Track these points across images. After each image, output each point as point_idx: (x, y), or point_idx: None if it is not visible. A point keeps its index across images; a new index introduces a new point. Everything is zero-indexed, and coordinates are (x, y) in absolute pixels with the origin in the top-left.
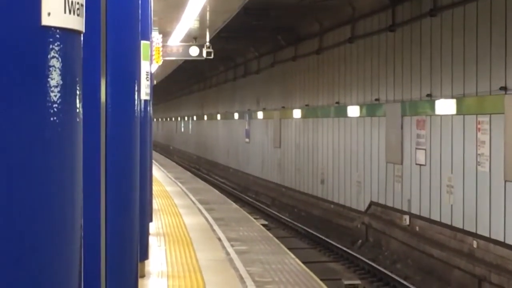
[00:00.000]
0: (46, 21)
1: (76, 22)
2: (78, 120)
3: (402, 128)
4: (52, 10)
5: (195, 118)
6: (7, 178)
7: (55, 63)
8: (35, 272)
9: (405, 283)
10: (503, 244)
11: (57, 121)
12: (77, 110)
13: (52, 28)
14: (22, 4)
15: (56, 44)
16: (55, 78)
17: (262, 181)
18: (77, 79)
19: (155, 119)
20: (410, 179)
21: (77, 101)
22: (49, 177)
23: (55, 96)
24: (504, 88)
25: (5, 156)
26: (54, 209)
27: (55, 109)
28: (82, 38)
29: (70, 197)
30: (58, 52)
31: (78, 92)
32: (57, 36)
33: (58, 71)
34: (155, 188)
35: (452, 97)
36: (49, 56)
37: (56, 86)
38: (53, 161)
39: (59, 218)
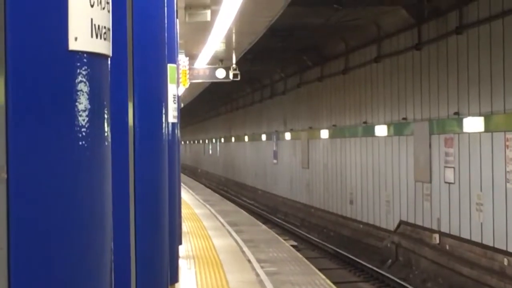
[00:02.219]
0: (73, 45)
1: (103, 46)
2: (106, 143)
3: (430, 146)
4: (79, 34)
5: (222, 140)
6: (39, 204)
7: (83, 87)
8: None
9: None
10: None
11: (86, 145)
12: (106, 134)
13: (79, 53)
14: (49, 30)
15: (83, 69)
16: (83, 103)
17: (291, 202)
18: (105, 103)
19: (183, 142)
20: (439, 197)
21: (105, 124)
22: (79, 201)
23: (83, 120)
24: None
25: (35, 181)
26: (84, 234)
27: (84, 133)
28: (109, 62)
29: (99, 221)
30: (86, 77)
31: (106, 116)
32: (84, 60)
33: (86, 95)
34: (184, 210)
35: (480, 115)
36: (76, 81)
37: (84, 110)
38: (83, 185)
39: (89, 242)
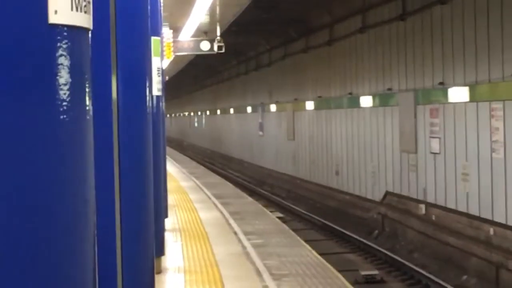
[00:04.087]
0: (53, 19)
1: (84, 20)
2: (88, 117)
3: (415, 117)
4: (59, 8)
5: (208, 112)
6: (19, 178)
7: (64, 61)
8: (49, 270)
9: (422, 272)
10: None
11: (67, 119)
12: (87, 108)
13: (60, 26)
14: (29, 3)
15: (64, 42)
16: (63, 76)
17: (277, 174)
18: (86, 76)
19: (168, 115)
20: (425, 168)
21: (87, 98)
22: (61, 176)
23: (64, 94)
24: None
25: (16, 155)
26: (67, 208)
27: (65, 107)
28: (90, 36)
29: (83, 194)
30: (66, 50)
31: (87, 90)
32: (65, 34)
33: (67, 69)
34: (169, 183)
35: (465, 85)
36: (57, 54)
37: (65, 84)
38: (65, 159)
39: (72, 216)
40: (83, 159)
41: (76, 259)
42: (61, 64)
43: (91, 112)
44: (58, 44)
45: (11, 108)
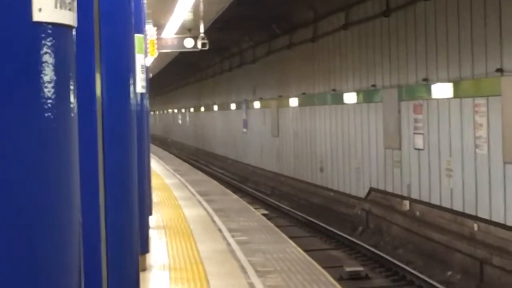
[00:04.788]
0: (37, 17)
1: (68, 17)
2: (73, 115)
3: (399, 113)
4: (43, 5)
5: (192, 109)
6: (2, 175)
7: (48, 58)
8: (33, 269)
9: (407, 268)
10: (503, 226)
11: (52, 116)
12: (72, 106)
13: (44, 24)
14: (12, 1)
15: (48, 40)
16: (48, 74)
17: (261, 171)
18: (71, 74)
19: (152, 112)
20: (409, 164)
21: (72, 96)
22: (45, 173)
23: (49, 92)
24: (500, 70)
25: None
26: (52, 205)
27: (50, 105)
28: (74, 33)
29: (67, 192)
30: (51, 48)
31: (72, 87)
32: (49, 31)
33: (51, 66)
34: (154, 181)
35: (449, 81)
36: (41, 52)
37: (50, 82)
38: (49, 157)
39: (56, 214)
40: (68, 156)
41: (61, 257)
42: (46, 61)
43: (75, 110)
44: (43, 42)
45: None
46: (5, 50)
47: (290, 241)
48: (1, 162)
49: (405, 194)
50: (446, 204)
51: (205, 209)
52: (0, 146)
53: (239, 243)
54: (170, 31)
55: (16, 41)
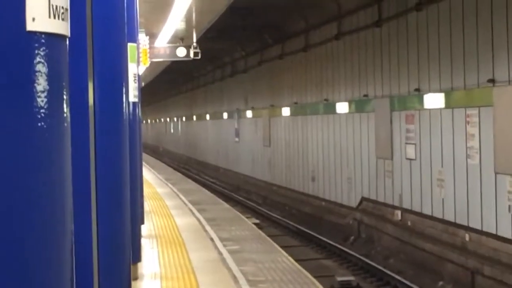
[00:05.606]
0: (31, 26)
1: (61, 27)
2: (66, 124)
3: (391, 123)
4: (36, 15)
5: (184, 118)
6: None
7: (41, 68)
8: (25, 278)
9: (398, 277)
10: (495, 237)
11: (45, 126)
12: (65, 115)
13: (37, 33)
14: (6, 10)
15: (41, 49)
16: (41, 84)
17: (253, 180)
18: (64, 83)
19: (144, 121)
20: (400, 174)
21: (65, 105)
22: (38, 183)
23: (42, 101)
24: (492, 81)
25: None
26: (44, 215)
27: (43, 115)
28: (67, 43)
29: (60, 202)
30: (44, 57)
31: (65, 97)
32: (43, 41)
33: (44, 76)
34: (146, 190)
35: (440, 91)
36: (35, 62)
37: (43, 92)
38: (42, 167)
39: (49, 223)
40: (61, 166)
41: (54, 267)
42: (39, 71)
43: (68, 119)
44: (36, 52)
45: None
46: None
47: (282, 250)
48: None
49: (396, 204)
50: (437, 214)
51: (197, 218)
52: None
53: (230, 252)
54: (163, 40)
55: (9, 50)
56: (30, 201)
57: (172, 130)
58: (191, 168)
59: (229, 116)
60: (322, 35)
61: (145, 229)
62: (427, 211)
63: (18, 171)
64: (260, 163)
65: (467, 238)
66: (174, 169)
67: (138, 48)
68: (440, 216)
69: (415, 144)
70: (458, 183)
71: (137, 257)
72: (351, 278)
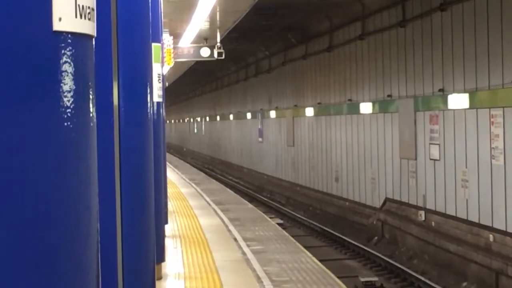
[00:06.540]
0: (57, 26)
1: (88, 27)
2: (92, 124)
3: (415, 123)
4: (63, 15)
5: (208, 119)
6: (23, 185)
7: (68, 68)
8: (52, 277)
9: (422, 278)
10: None
11: (71, 126)
12: (91, 115)
13: (64, 33)
14: (33, 10)
15: (68, 49)
16: (68, 83)
17: (276, 180)
18: (90, 83)
19: (168, 121)
20: (424, 174)
21: (91, 105)
22: (65, 182)
23: (68, 101)
24: None
25: (20, 163)
26: (71, 214)
27: (69, 114)
28: (94, 42)
29: (86, 201)
30: (70, 57)
31: (91, 97)
32: (69, 41)
33: (70, 76)
34: (169, 190)
35: (465, 91)
36: (61, 61)
37: (69, 91)
38: (68, 166)
39: (75, 223)
40: (87, 165)
41: (80, 266)
42: (65, 71)
43: (94, 119)
44: (63, 51)
45: (16, 115)
46: (25, 59)
47: (305, 250)
48: (21, 171)
49: (420, 205)
50: (461, 214)
51: (221, 218)
52: (20, 155)
53: (254, 252)
54: (187, 40)
55: (36, 50)
56: (57, 201)
57: (195, 130)
58: (214, 168)
59: (252, 116)
60: (346, 35)
61: (169, 229)
62: (451, 211)
63: (45, 171)
64: (283, 163)
65: (491, 239)
66: (198, 169)
67: (162, 48)
68: (464, 217)
69: (439, 144)
70: (482, 183)
71: (161, 257)
72: (375, 278)
